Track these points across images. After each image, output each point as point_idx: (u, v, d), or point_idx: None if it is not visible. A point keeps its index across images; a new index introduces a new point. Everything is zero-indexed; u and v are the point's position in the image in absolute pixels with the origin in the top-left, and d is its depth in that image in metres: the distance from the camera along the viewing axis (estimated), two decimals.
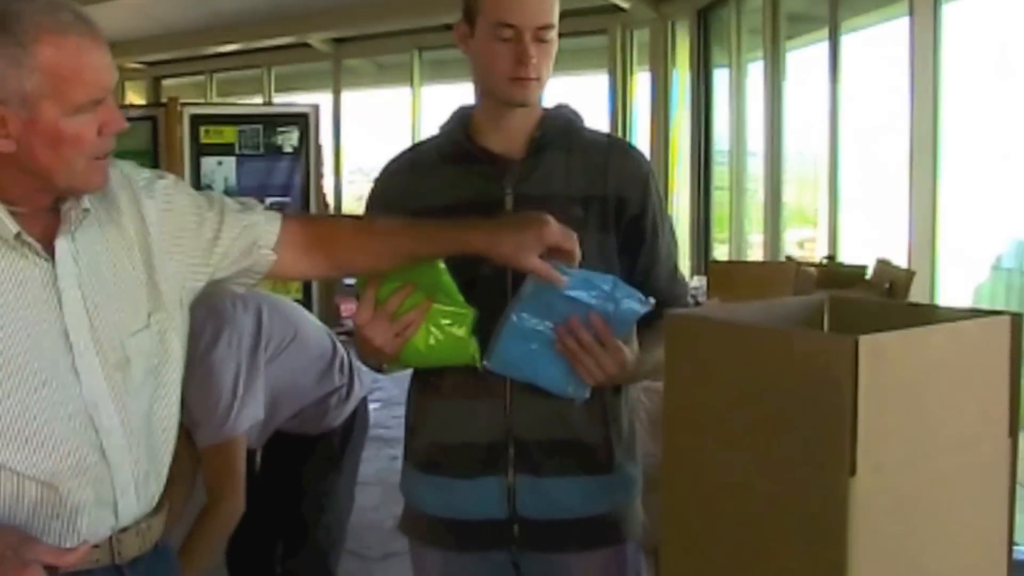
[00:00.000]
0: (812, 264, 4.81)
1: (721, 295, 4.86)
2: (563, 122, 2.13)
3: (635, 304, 1.94)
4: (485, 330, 1.97)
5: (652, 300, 1.92)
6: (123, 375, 1.78)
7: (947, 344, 1.46)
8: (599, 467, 2.09)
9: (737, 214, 7.42)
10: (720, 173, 7.88)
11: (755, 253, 7.24)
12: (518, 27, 1.98)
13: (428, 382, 2.13)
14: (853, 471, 1.34)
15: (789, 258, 5.76)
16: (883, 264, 4.64)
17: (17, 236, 1.68)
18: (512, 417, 2.06)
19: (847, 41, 6.20)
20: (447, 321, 1.98)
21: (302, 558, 3.19)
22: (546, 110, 2.14)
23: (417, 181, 2.12)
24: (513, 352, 1.99)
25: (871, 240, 5.92)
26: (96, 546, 1.74)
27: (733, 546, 1.54)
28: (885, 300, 1.91)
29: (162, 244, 1.87)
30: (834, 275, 4.68)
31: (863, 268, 4.79)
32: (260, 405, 2.83)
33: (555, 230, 1.84)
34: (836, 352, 1.35)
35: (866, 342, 1.33)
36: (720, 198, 7.88)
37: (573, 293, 1.91)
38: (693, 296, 5.29)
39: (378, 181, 2.19)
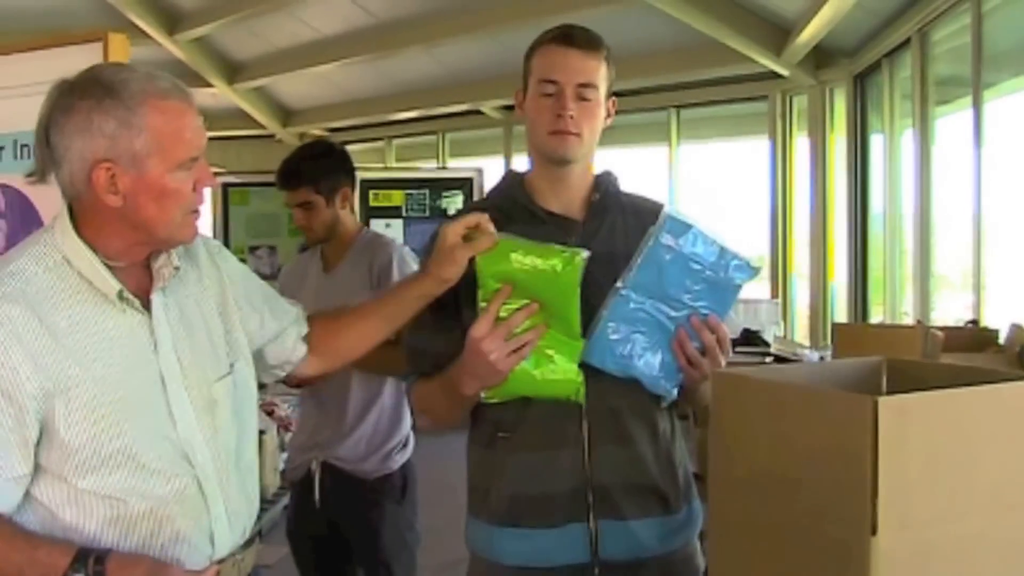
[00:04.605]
0: (942, 328, 4.72)
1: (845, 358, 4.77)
2: (614, 186, 2.22)
3: (743, 272, 2.00)
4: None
5: (759, 265, 1.98)
6: (212, 417, 1.90)
7: (981, 406, 1.45)
8: (673, 507, 2.19)
9: (891, 278, 7.32)
10: (877, 238, 7.80)
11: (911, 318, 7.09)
12: (560, 83, 2.09)
13: (496, 438, 2.17)
14: (875, 530, 1.34)
15: (919, 322, 5.67)
16: (1017, 328, 4.57)
17: (119, 294, 1.80)
18: (592, 464, 2.11)
19: (999, 105, 6.14)
20: (560, 349, 2.00)
21: None
22: (597, 175, 2.22)
23: None
24: (613, 342, 2.00)
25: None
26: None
27: None
28: (947, 363, 1.91)
29: (235, 300, 2.04)
30: (963, 339, 4.54)
31: (995, 332, 4.69)
32: None
33: (449, 230, 1.99)
34: (856, 411, 1.36)
35: (886, 402, 1.34)
36: (876, 262, 7.80)
37: (688, 251, 1.95)
38: (822, 358, 5.31)
39: (423, 250, 2.23)
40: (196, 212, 1.86)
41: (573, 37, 2.13)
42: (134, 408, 1.78)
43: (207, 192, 1.87)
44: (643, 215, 2.17)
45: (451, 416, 2.20)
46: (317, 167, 3.40)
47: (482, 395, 2.07)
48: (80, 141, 1.74)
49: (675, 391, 2.06)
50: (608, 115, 2.19)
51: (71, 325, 1.75)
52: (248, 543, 1.98)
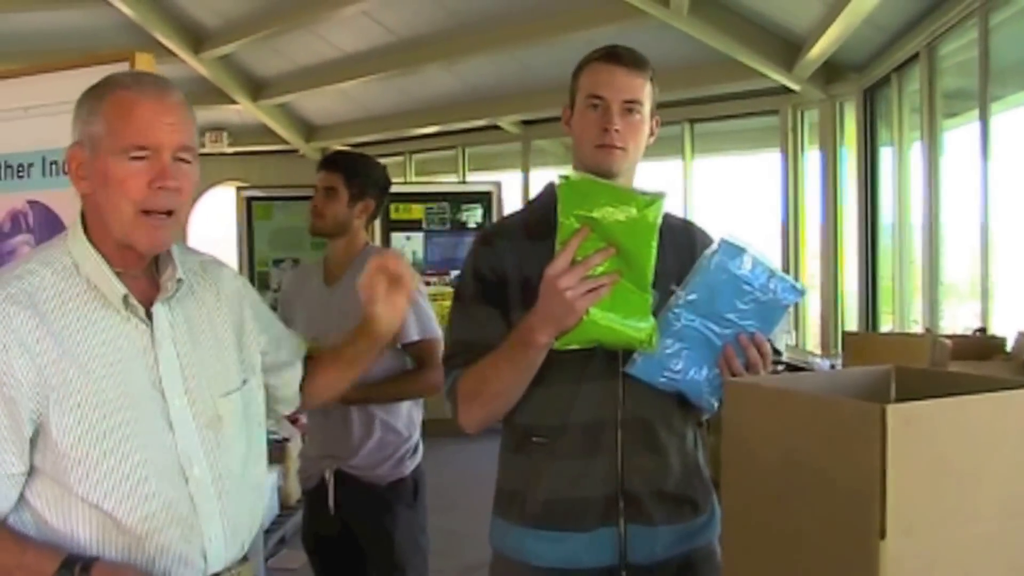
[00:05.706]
0: (950, 336, 4.81)
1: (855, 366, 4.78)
2: None
3: (790, 294, 2.06)
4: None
5: (804, 288, 2.05)
6: (215, 432, 1.88)
7: (989, 414, 1.47)
8: (698, 511, 2.26)
9: (900, 287, 7.41)
10: (886, 248, 7.87)
11: (920, 327, 7.12)
12: (606, 99, 2.15)
13: (531, 443, 2.20)
14: (883, 534, 1.36)
15: (928, 330, 5.74)
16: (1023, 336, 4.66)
17: (124, 298, 1.80)
18: (624, 471, 2.16)
19: (1006, 118, 6.20)
20: (631, 299, 1.99)
21: None
22: None
23: (499, 252, 2.22)
24: (664, 358, 2.07)
25: None
26: None
27: None
28: (955, 371, 1.97)
29: (253, 323, 2.06)
30: (971, 347, 4.64)
31: (1003, 340, 4.77)
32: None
33: (382, 262, 2.09)
34: (865, 419, 1.38)
35: (895, 410, 1.36)
36: (886, 272, 7.87)
37: (741, 272, 2.01)
38: (833, 367, 5.41)
39: (469, 254, 2.30)
40: (156, 216, 1.81)
41: (619, 56, 2.18)
42: (130, 416, 1.77)
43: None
44: (675, 232, 2.25)
45: (511, 389, 2.15)
46: (360, 168, 3.58)
47: (555, 344, 2.04)
48: (72, 130, 1.85)
49: (717, 405, 2.13)
50: (652, 133, 2.25)
51: (74, 329, 1.76)
52: (245, 558, 1.97)
